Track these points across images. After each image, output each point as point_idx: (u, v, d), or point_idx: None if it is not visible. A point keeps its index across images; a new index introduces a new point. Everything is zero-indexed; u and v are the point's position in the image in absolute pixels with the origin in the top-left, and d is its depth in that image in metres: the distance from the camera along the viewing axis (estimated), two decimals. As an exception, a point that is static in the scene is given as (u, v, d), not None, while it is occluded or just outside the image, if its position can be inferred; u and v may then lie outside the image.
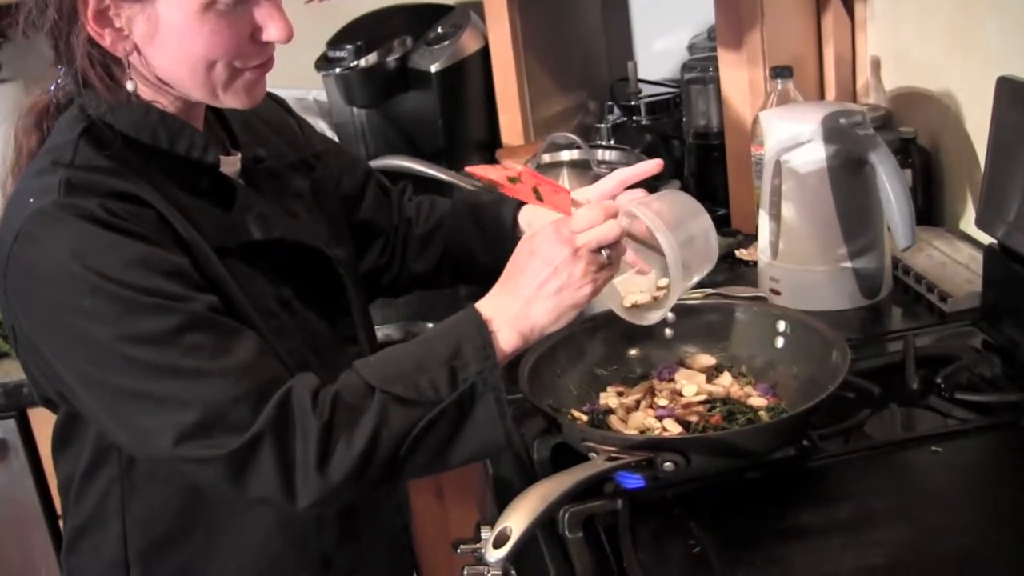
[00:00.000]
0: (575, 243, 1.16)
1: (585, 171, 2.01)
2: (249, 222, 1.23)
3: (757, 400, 1.35)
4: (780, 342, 1.42)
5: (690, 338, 1.47)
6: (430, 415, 1.10)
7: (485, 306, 1.18)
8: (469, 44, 2.33)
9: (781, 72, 1.85)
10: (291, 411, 1.08)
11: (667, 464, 1.17)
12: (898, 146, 1.84)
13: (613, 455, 1.17)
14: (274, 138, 1.37)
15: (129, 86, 1.16)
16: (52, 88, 1.23)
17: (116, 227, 1.09)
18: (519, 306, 1.17)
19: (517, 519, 1.03)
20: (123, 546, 1.26)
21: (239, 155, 1.29)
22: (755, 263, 1.82)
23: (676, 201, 1.28)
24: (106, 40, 1.13)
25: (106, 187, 1.12)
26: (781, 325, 1.42)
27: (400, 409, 1.10)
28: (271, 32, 1.16)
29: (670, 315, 1.32)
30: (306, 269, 1.29)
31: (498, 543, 1.02)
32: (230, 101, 1.19)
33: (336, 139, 2.51)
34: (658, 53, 2.58)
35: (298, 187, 1.36)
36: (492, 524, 1.10)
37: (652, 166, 1.31)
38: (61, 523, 1.36)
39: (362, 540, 1.36)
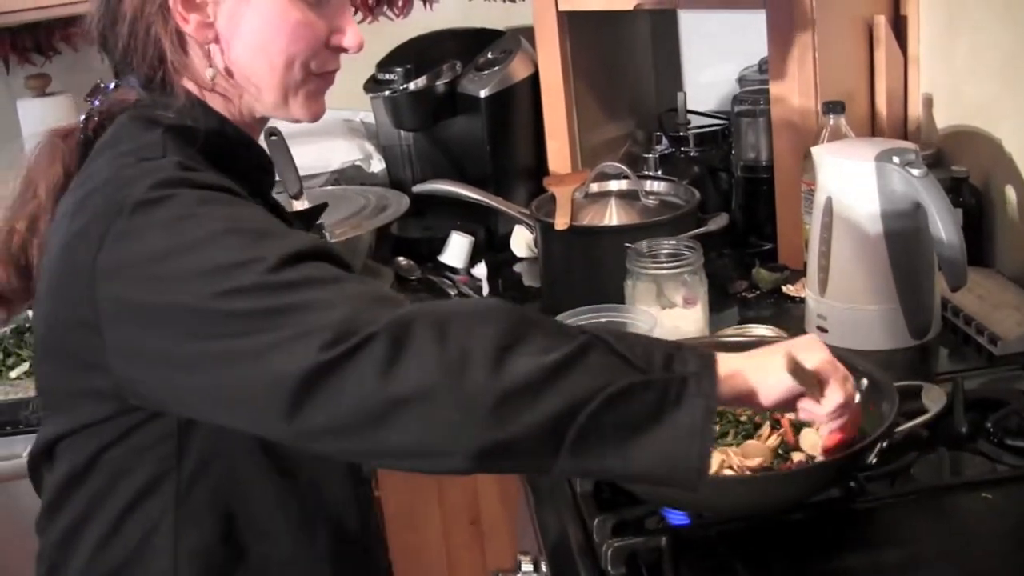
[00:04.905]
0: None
1: (633, 201, 2.01)
2: None
3: (813, 438, 1.32)
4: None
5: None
6: (633, 379, 0.96)
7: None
8: (519, 70, 2.34)
9: (833, 107, 1.84)
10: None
11: None
12: (950, 185, 1.82)
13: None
14: None
15: (209, 73, 1.15)
16: (83, 119, 1.19)
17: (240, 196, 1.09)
18: (750, 360, 1.08)
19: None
20: None
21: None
22: (802, 299, 1.80)
23: None
24: (190, 25, 1.13)
25: (212, 179, 1.08)
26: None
27: (605, 356, 0.96)
28: (348, 37, 1.19)
29: None
30: None
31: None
32: (296, 110, 1.19)
33: (382, 162, 2.53)
34: (707, 84, 2.58)
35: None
36: (532, 555, 1.09)
37: None
38: None
39: None
